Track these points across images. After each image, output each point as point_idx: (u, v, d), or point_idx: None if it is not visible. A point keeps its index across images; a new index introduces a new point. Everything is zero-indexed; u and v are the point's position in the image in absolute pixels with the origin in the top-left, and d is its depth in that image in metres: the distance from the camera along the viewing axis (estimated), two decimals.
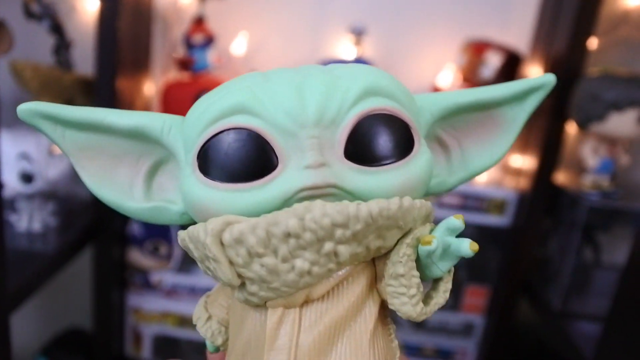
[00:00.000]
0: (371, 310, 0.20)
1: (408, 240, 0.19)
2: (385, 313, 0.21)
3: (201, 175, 0.20)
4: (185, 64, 0.78)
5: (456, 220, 0.19)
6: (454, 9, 0.83)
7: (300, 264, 0.18)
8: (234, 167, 0.19)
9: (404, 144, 0.20)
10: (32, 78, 0.68)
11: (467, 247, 0.19)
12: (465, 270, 0.82)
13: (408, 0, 0.83)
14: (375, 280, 0.20)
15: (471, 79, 0.77)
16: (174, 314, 0.85)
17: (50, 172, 0.67)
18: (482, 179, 0.81)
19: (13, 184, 0.66)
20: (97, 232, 0.77)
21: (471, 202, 0.78)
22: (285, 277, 0.18)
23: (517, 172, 0.81)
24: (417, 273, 0.19)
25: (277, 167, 0.19)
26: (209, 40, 0.78)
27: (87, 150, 0.22)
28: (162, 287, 0.83)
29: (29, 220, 0.69)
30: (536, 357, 0.89)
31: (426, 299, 0.20)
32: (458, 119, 0.23)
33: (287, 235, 0.18)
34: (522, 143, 0.81)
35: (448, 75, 0.81)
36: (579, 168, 0.74)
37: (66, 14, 0.77)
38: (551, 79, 0.24)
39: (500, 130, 0.24)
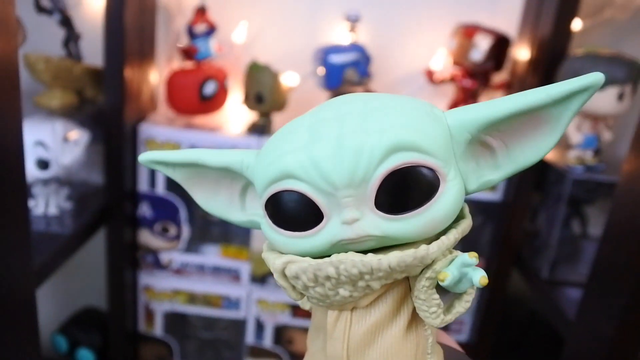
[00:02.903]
0: (406, 313, 0.26)
1: (428, 274, 0.24)
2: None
3: (270, 222, 0.26)
4: (188, 53, 0.81)
5: (469, 259, 0.24)
6: None
7: (343, 292, 0.24)
8: (291, 220, 0.25)
9: (428, 189, 0.24)
10: (45, 70, 0.71)
11: (478, 280, 0.23)
12: (460, 245, 0.86)
13: None
14: (410, 290, 0.26)
15: (462, 62, 0.80)
16: (183, 291, 0.89)
17: (64, 158, 0.71)
18: None
19: (30, 171, 0.70)
20: (109, 215, 0.81)
21: None
22: (334, 299, 0.25)
23: None
24: (436, 297, 0.24)
25: (323, 221, 0.25)
26: (211, 30, 0.81)
27: (193, 179, 0.30)
28: (171, 267, 0.88)
29: (46, 205, 0.73)
30: (527, 324, 0.93)
31: (449, 308, 0.25)
32: (500, 124, 0.25)
33: (328, 277, 0.24)
34: None
35: (440, 60, 0.84)
36: (566, 145, 0.78)
37: (74, 7, 0.81)
38: (599, 79, 0.23)
39: (545, 128, 0.24)
